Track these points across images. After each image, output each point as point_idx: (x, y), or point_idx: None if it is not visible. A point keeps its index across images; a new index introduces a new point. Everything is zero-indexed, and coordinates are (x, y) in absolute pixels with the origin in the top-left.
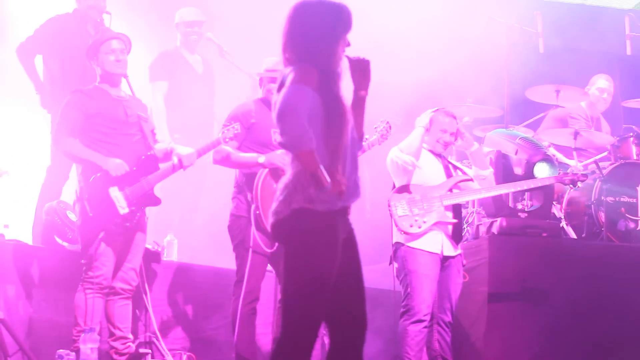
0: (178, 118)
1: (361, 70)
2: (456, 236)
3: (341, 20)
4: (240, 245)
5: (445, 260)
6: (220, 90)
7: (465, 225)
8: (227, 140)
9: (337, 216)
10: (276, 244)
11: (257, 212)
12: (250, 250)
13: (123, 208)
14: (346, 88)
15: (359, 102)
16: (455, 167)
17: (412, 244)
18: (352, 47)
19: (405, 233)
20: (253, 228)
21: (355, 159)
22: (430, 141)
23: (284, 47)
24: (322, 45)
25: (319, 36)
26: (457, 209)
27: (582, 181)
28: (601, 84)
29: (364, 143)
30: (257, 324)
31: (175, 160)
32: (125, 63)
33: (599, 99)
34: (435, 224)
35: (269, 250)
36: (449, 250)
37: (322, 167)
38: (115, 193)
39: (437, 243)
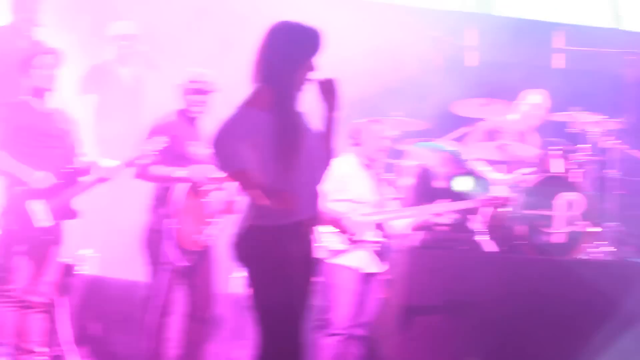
0: (106, 131)
1: (328, 91)
2: (381, 253)
3: (304, 45)
4: (155, 260)
5: (368, 275)
6: (153, 104)
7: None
8: (144, 153)
9: (290, 230)
10: (192, 257)
11: (173, 225)
12: (165, 264)
13: (43, 221)
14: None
15: (330, 122)
16: (383, 181)
17: (336, 260)
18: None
19: (334, 251)
20: (170, 242)
21: (316, 175)
22: (367, 152)
23: (252, 72)
24: (281, 68)
25: (279, 60)
26: (382, 225)
27: (506, 206)
28: (531, 100)
29: None
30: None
31: (97, 173)
32: (54, 78)
33: (529, 114)
34: (362, 241)
35: (187, 264)
36: (371, 267)
37: (260, 185)
38: (35, 205)
39: (360, 259)
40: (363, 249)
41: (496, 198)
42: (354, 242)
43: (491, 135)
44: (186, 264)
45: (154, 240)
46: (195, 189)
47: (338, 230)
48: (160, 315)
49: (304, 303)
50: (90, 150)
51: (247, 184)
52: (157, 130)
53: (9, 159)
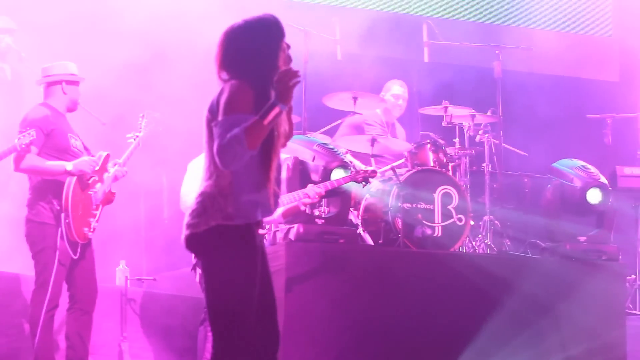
0: None
1: (282, 83)
2: None
3: (272, 32)
4: (43, 252)
5: None
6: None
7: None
8: (22, 146)
9: (255, 228)
10: (79, 250)
11: (67, 220)
12: (57, 258)
13: None
14: None
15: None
16: None
17: None
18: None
19: None
20: (61, 236)
21: (277, 172)
22: None
23: (219, 70)
24: (260, 61)
25: (255, 53)
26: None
27: (373, 177)
28: (396, 90)
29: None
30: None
31: None
32: None
33: (394, 105)
34: None
35: (75, 257)
36: None
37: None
38: None
39: None
40: None
41: (365, 171)
42: None
43: (359, 128)
44: (74, 256)
45: (42, 234)
46: (82, 182)
47: None
48: (50, 307)
49: (271, 304)
50: None
51: (259, 127)
52: (33, 123)
53: None
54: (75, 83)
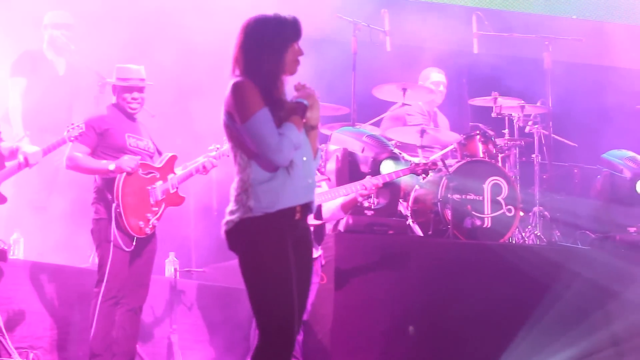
0: (34, 116)
1: (300, 110)
2: (318, 237)
3: (284, 31)
4: (101, 245)
5: None
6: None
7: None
8: (71, 138)
9: (281, 218)
10: (134, 243)
11: (118, 210)
12: (112, 247)
13: None
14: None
15: (308, 130)
16: None
17: None
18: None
19: None
20: (113, 226)
21: (308, 166)
22: None
23: (233, 67)
24: (263, 58)
25: (259, 49)
26: (318, 210)
27: (433, 170)
28: (434, 77)
29: (214, 153)
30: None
31: (20, 158)
32: None
33: (435, 92)
34: None
35: (127, 249)
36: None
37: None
38: None
39: None
40: None
41: (425, 164)
42: None
43: (401, 120)
44: (127, 249)
45: (99, 228)
46: (137, 176)
47: None
48: (108, 298)
49: (302, 293)
50: (19, 132)
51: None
52: (89, 124)
53: None
54: (128, 89)
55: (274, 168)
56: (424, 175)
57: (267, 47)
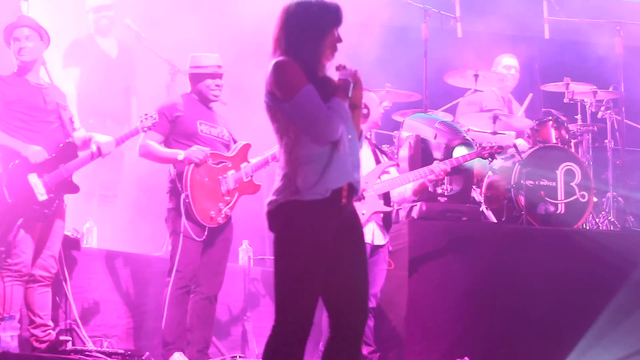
0: (92, 104)
1: (345, 86)
2: (386, 224)
3: (325, 16)
4: (173, 234)
5: (374, 249)
6: (140, 75)
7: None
8: (145, 129)
9: (327, 203)
10: (206, 233)
11: (187, 200)
12: (181, 237)
13: (42, 195)
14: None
15: (351, 109)
16: (381, 151)
17: None
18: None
19: None
20: (183, 217)
21: (352, 146)
22: (373, 120)
23: (274, 47)
24: (305, 39)
25: (302, 30)
26: (387, 196)
27: (499, 153)
28: (506, 62)
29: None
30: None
31: (94, 148)
32: (31, 50)
33: (506, 76)
34: (373, 213)
35: (199, 239)
36: (379, 239)
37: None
38: (34, 180)
39: (369, 233)
40: (372, 222)
41: (491, 147)
42: (365, 217)
43: (477, 105)
44: (198, 239)
45: (171, 217)
46: (207, 166)
47: None
48: (178, 287)
49: (355, 278)
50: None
51: (339, 109)
52: (161, 111)
53: (2, 133)
54: (209, 75)
55: (322, 145)
56: (490, 158)
57: (309, 29)
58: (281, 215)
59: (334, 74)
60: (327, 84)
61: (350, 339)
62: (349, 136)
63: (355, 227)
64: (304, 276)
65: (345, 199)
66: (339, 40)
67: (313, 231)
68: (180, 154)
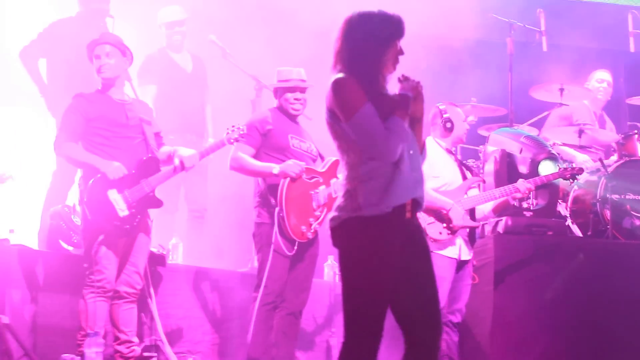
0: (171, 119)
1: (404, 102)
2: (472, 239)
3: (388, 29)
4: (262, 249)
5: (461, 264)
6: (223, 91)
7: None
8: (231, 141)
9: (389, 219)
10: (295, 248)
11: (281, 214)
12: (272, 251)
13: (122, 210)
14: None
15: (413, 122)
16: (467, 167)
17: (434, 250)
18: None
19: (435, 241)
20: (275, 229)
21: (414, 162)
22: (457, 135)
23: (335, 60)
24: (366, 51)
25: (363, 43)
26: (473, 211)
27: (580, 174)
28: (599, 75)
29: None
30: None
31: (176, 162)
32: (111, 67)
33: (598, 90)
34: (460, 228)
35: (289, 253)
36: (466, 254)
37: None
38: (114, 195)
39: (456, 248)
40: (459, 237)
41: (572, 169)
42: (454, 232)
43: (568, 119)
44: (289, 253)
45: (261, 232)
46: (302, 181)
47: (439, 220)
48: (266, 302)
49: (421, 292)
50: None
51: (398, 125)
52: (252, 125)
53: (82, 150)
54: (288, 89)
55: (383, 164)
56: (571, 179)
57: (370, 41)
58: (344, 232)
59: (396, 85)
60: (388, 99)
61: (425, 354)
62: (410, 152)
63: (420, 241)
64: (369, 292)
65: (410, 213)
66: (401, 52)
67: (376, 247)
68: (275, 168)
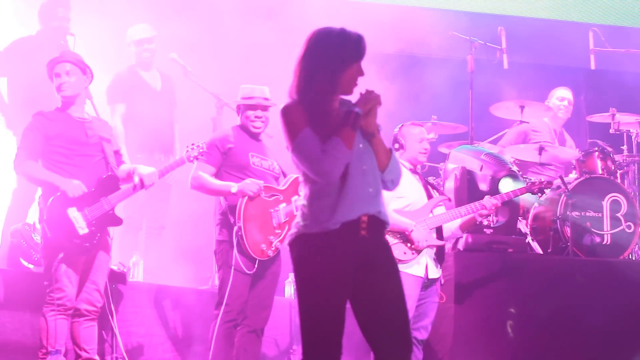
0: (139, 138)
1: (348, 120)
2: (439, 257)
3: (343, 50)
4: (223, 267)
5: (429, 282)
6: (184, 108)
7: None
8: (190, 159)
9: (339, 236)
10: (256, 266)
11: (240, 233)
12: (232, 270)
13: (82, 228)
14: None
15: (368, 138)
16: (432, 186)
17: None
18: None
19: (400, 261)
20: (235, 249)
21: (367, 178)
22: (411, 156)
23: (292, 82)
24: (321, 72)
25: (318, 64)
26: (439, 230)
27: (548, 188)
28: (560, 93)
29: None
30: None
31: (136, 180)
32: (71, 85)
33: (559, 107)
34: (426, 248)
35: (249, 272)
36: (433, 272)
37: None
38: (74, 213)
39: (422, 266)
40: (425, 255)
41: (541, 183)
42: (419, 251)
43: (525, 136)
44: (249, 272)
45: (221, 250)
46: (260, 199)
47: (402, 241)
48: (226, 320)
49: (384, 305)
50: (125, 158)
51: (345, 139)
52: (212, 143)
53: (42, 169)
54: (250, 107)
55: (327, 184)
56: (539, 193)
57: (322, 66)
58: (294, 248)
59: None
60: (334, 119)
61: None
62: (364, 167)
63: (383, 258)
64: (317, 308)
65: (365, 230)
66: (360, 73)
67: (321, 264)
68: (234, 187)
